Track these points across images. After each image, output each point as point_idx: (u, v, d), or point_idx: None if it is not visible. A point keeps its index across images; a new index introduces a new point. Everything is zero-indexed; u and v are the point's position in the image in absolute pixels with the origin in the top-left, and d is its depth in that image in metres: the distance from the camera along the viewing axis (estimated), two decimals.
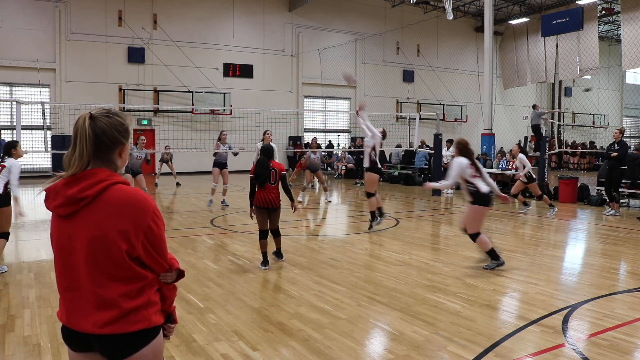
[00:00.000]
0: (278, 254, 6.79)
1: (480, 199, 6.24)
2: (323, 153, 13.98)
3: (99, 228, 1.79)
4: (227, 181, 12.46)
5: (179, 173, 18.30)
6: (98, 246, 1.79)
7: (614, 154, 10.90)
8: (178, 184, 17.12)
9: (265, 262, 6.43)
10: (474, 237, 6.31)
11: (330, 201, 13.73)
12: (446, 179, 6.45)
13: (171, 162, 17.80)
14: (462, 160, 6.26)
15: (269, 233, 6.50)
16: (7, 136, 19.78)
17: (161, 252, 1.91)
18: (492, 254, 6.30)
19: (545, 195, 11.62)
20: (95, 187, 1.81)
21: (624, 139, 11.24)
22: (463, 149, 6.36)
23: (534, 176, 11.52)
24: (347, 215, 11.90)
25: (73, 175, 1.82)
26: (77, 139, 1.84)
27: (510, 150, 13.12)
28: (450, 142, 16.14)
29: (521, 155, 11.44)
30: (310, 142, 14.31)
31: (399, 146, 20.53)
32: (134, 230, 1.81)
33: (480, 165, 6.39)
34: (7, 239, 6.30)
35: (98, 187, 1.81)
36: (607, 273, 6.29)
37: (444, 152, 15.82)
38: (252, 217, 6.54)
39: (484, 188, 6.24)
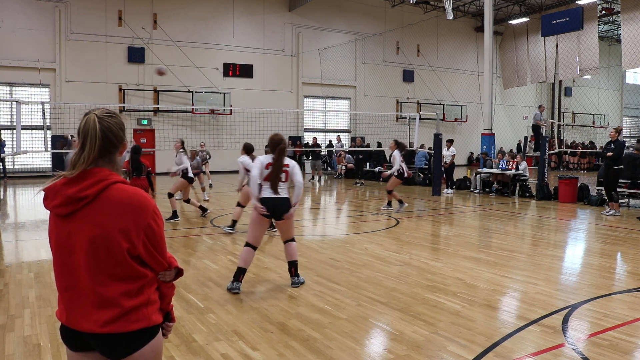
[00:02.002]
0: None
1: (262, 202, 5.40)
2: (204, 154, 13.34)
3: (99, 227, 1.79)
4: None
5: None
6: (99, 245, 1.79)
7: (609, 153, 10.91)
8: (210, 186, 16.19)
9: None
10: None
11: (207, 200, 12.95)
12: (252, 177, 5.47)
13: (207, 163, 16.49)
14: (262, 159, 5.46)
15: None
16: (7, 136, 19.79)
17: (161, 251, 1.91)
18: (236, 274, 5.40)
19: (394, 193, 11.55)
20: (95, 187, 1.81)
21: (621, 139, 11.21)
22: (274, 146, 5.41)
23: (405, 175, 11.52)
24: (347, 215, 11.90)
25: (74, 174, 1.83)
26: (87, 140, 1.84)
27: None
28: (450, 141, 16.13)
29: (395, 152, 11.41)
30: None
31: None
32: (135, 229, 1.82)
33: (290, 172, 5.42)
34: None
35: (98, 187, 1.81)
36: (607, 273, 6.29)
37: (444, 152, 15.80)
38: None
39: (265, 193, 5.38)
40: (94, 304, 1.82)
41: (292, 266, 5.63)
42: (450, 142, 16.11)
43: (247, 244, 5.42)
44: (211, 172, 17.31)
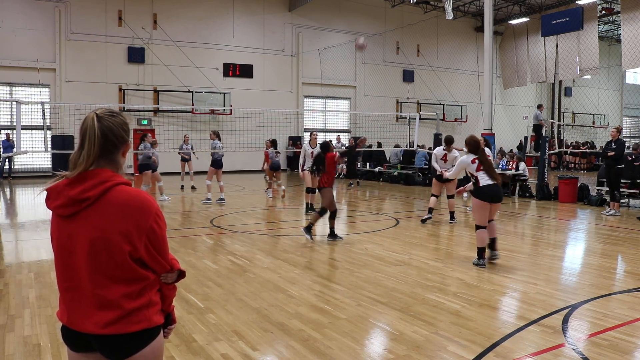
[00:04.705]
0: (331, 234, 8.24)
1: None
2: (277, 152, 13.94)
3: (101, 229, 1.79)
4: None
5: (179, 173, 18.09)
6: (100, 247, 1.79)
7: (611, 153, 10.90)
8: (193, 188, 16.05)
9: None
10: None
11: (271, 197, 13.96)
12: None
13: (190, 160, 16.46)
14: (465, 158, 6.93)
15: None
16: None
17: (163, 253, 1.91)
18: (479, 253, 6.60)
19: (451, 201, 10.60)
20: (97, 188, 1.80)
21: (621, 138, 11.19)
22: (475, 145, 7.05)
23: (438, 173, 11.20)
24: (347, 215, 11.89)
25: (76, 175, 1.82)
26: (86, 139, 1.84)
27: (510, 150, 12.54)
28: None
29: (455, 152, 10.99)
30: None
31: (397, 146, 20.49)
32: (137, 232, 1.81)
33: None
34: None
35: (101, 188, 1.80)
36: (607, 273, 6.29)
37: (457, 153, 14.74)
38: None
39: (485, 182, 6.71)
40: (95, 305, 1.81)
41: (492, 242, 6.59)
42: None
43: (479, 227, 6.50)
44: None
